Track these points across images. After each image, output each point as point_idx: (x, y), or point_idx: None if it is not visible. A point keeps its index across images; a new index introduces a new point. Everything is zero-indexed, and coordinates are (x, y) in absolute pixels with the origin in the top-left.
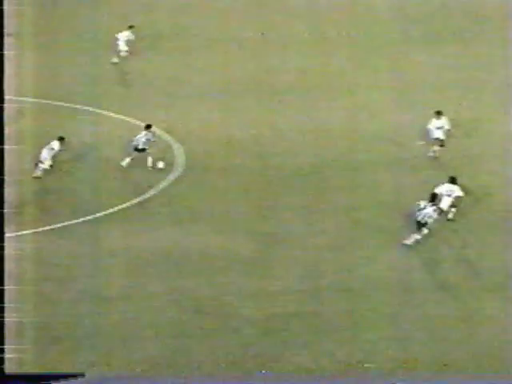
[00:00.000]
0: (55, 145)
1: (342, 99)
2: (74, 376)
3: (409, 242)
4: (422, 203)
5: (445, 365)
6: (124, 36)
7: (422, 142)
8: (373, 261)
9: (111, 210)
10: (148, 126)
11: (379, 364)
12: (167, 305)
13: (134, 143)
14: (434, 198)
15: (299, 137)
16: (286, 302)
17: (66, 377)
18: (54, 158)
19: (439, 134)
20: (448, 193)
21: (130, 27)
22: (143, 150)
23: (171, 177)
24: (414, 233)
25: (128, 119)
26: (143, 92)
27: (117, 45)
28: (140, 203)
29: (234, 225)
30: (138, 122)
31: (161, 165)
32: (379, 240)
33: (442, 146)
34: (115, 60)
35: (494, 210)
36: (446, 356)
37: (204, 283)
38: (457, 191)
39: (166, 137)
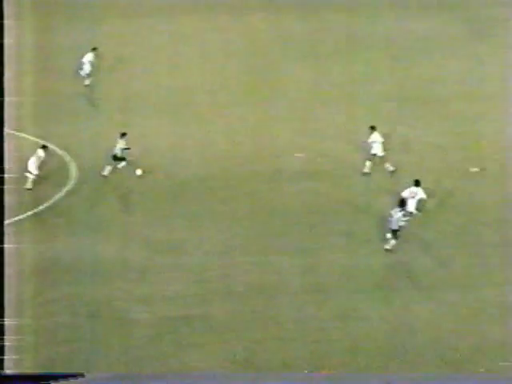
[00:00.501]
0: (40, 153)
1: (222, 117)
2: (74, 376)
3: (388, 246)
4: (393, 211)
5: (321, 362)
6: (88, 58)
7: (301, 155)
8: (256, 266)
9: (7, 222)
10: (123, 135)
11: (263, 363)
12: (62, 310)
13: (113, 152)
14: (402, 204)
15: (187, 150)
16: (177, 306)
17: (65, 377)
18: (39, 167)
19: (377, 149)
20: (412, 195)
21: (94, 49)
22: (122, 158)
23: (65, 189)
24: (390, 238)
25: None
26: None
27: (81, 68)
28: (35, 214)
29: (126, 233)
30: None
31: (138, 172)
32: (261, 246)
33: (381, 158)
34: (87, 82)
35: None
36: (324, 354)
37: (97, 289)
38: (420, 193)
39: (63, 152)
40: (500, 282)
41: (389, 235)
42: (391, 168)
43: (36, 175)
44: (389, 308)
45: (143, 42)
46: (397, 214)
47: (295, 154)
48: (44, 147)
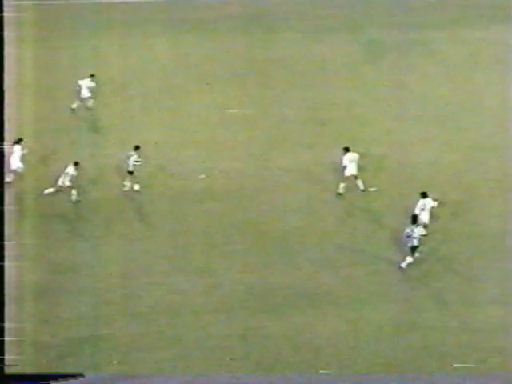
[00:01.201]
0: (71, 169)
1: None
2: (73, 376)
3: (404, 265)
4: (408, 229)
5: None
6: (86, 83)
7: (203, 176)
8: (160, 286)
9: None
10: (137, 148)
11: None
12: None
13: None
14: (415, 220)
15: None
16: (80, 327)
17: (64, 377)
18: (71, 181)
19: (352, 170)
20: (422, 207)
21: (91, 76)
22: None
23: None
24: (408, 256)
25: None
26: None
27: (79, 92)
28: None
29: (24, 254)
30: None
31: (136, 187)
32: (164, 266)
33: (356, 178)
34: (74, 106)
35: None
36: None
37: None
38: (429, 203)
39: None
40: (400, 300)
41: (409, 259)
42: (361, 186)
43: (63, 187)
44: (292, 326)
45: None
46: (414, 231)
47: (199, 176)
48: (76, 164)
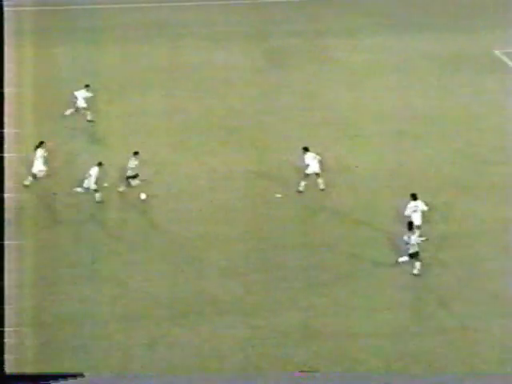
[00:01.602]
0: (94, 170)
1: None
2: (73, 376)
3: (416, 271)
4: (406, 236)
5: None
6: (81, 94)
7: (106, 184)
8: (65, 296)
9: None
10: (136, 153)
11: None
12: None
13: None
14: (411, 226)
15: None
16: None
17: (65, 377)
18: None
19: (315, 167)
20: (414, 209)
21: (86, 86)
22: (134, 176)
23: None
24: (415, 262)
25: None
26: None
27: (75, 101)
28: None
29: None
30: None
31: (143, 196)
32: (70, 275)
33: (318, 175)
34: (68, 112)
35: None
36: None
37: None
38: (421, 205)
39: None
40: (305, 307)
41: (402, 259)
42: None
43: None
44: (198, 334)
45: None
46: (411, 237)
47: (104, 184)
48: (99, 164)
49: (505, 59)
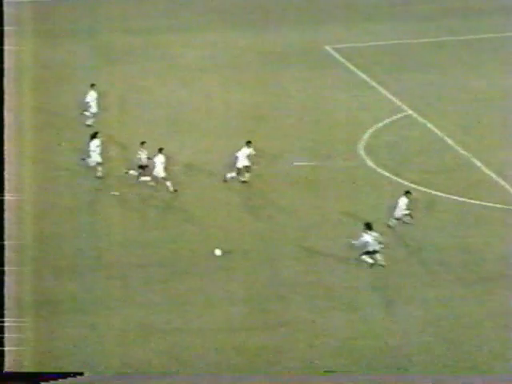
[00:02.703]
0: (161, 158)
1: None
2: (73, 375)
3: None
4: (365, 238)
5: None
6: (91, 97)
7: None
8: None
9: None
10: (143, 143)
11: None
12: None
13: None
14: (369, 227)
15: None
16: None
17: (64, 376)
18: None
19: (246, 162)
20: (408, 206)
21: (92, 85)
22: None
23: None
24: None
25: None
26: None
27: (89, 107)
28: None
29: None
30: None
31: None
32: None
33: (248, 171)
34: (89, 122)
35: None
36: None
37: None
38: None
39: None
40: (144, 303)
41: (369, 260)
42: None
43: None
44: (34, 333)
45: None
46: (364, 236)
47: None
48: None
49: (335, 55)
